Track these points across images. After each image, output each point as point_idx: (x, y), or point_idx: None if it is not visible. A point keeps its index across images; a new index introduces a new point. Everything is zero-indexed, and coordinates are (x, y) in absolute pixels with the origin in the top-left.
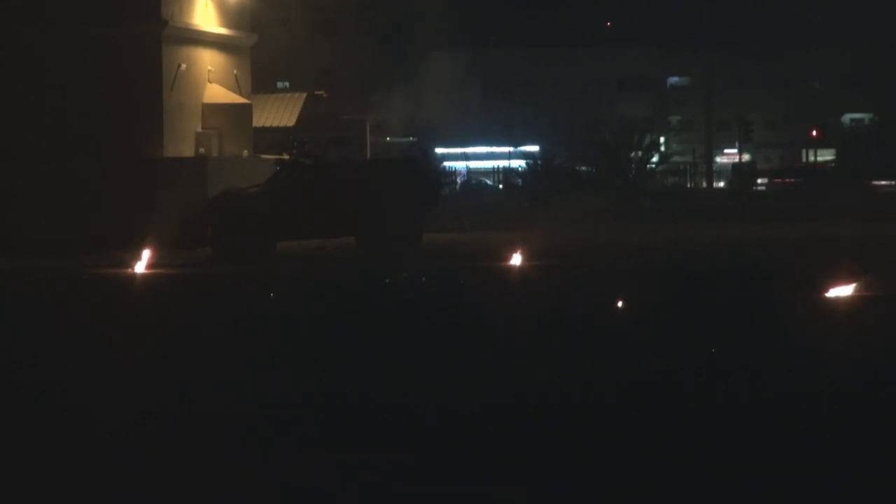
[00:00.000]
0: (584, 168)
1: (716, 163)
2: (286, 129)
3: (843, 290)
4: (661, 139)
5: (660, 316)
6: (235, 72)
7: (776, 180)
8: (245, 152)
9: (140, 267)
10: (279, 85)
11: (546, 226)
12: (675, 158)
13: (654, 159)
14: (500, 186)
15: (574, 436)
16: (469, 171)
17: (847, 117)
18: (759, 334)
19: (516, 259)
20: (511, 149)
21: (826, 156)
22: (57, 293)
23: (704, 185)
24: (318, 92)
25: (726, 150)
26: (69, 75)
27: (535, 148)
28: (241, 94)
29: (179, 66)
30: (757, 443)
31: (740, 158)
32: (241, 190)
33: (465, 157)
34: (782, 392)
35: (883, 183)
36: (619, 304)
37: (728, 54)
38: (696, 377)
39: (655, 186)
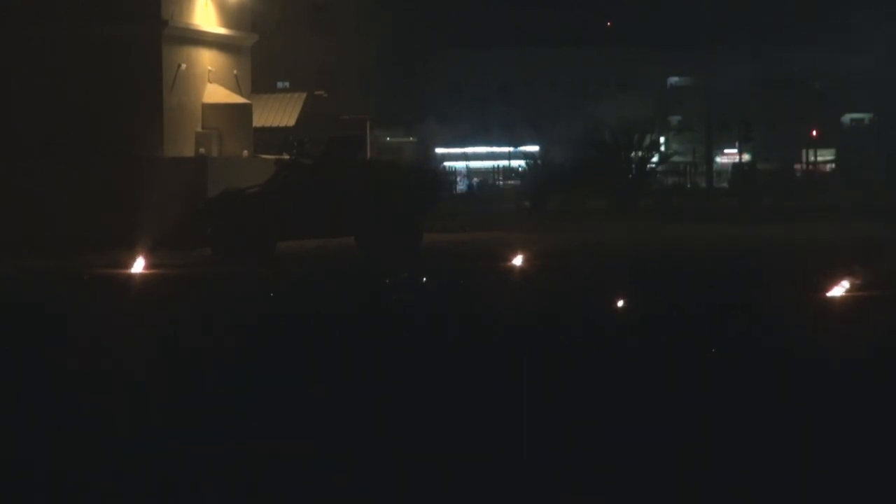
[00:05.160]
0: (584, 168)
1: (716, 163)
2: (286, 129)
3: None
4: (661, 139)
5: (651, 317)
6: (235, 72)
7: None
8: (245, 152)
9: (139, 267)
10: (279, 85)
11: (545, 226)
12: (675, 158)
13: (654, 159)
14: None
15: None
16: (469, 171)
17: (847, 117)
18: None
19: (516, 259)
20: (511, 149)
21: (826, 156)
22: (56, 294)
23: (704, 184)
24: (318, 92)
25: (726, 150)
26: (69, 75)
27: (535, 148)
28: (241, 94)
29: (179, 66)
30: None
31: (740, 158)
32: (241, 190)
33: (466, 157)
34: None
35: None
36: (615, 305)
37: (728, 54)
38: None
39: (655, 186)
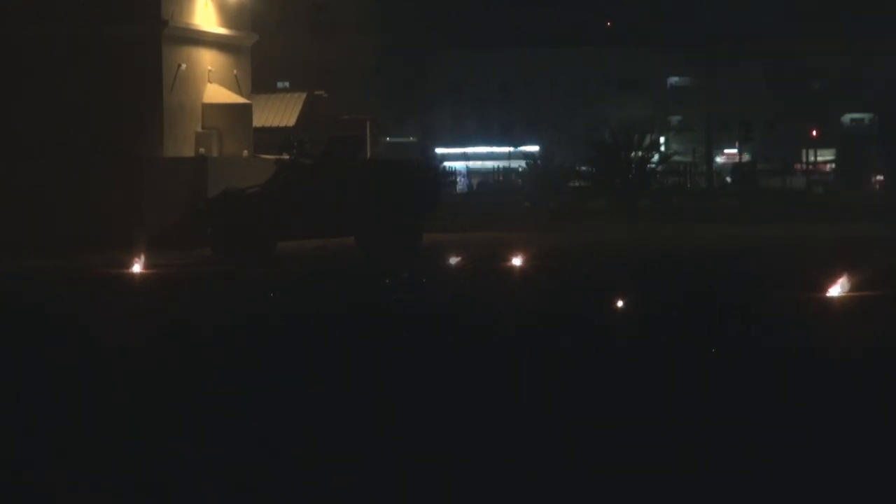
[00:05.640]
0: (584, 168)
1: (716, 163)
2: (286, 129)
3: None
4: (661, 139)
5: (646, 317)
6: (235, 72)
7: None
8: (245, 152)
9: (139, 267)
10: (279, 85)
11: (545, 226)
12: (675, 158)
13: (654, 159)
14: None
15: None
16: (469, 171)
17: (847, 117)
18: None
19: (515, 259)
20: (511, 149)
21: (826, 156)
22: (56, 294)
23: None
24: (318, 92)
25: (726, 150)
26: (69, 75)
27: (535, 148)
28: (241, 94)
29: (179, 66)
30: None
31: (740, 159)
32: (241, 190)
33: (466, 157)
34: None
35: None
36: (612, 305)
37: (728, 54)
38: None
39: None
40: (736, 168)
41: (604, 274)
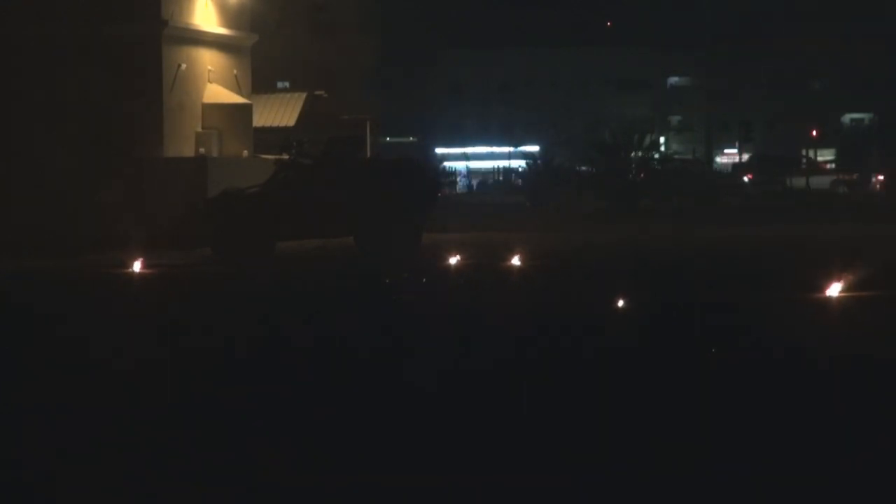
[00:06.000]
0: (584, 168)
1: (716, 163)
2: (286, 129)
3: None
4: (661, 139)
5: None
6: (235, 72)
7: None
8: (245, 152)
9: (139, 267)
10: (279, 85)
11: (545, 226)
12: (677, 158)
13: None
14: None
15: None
16: (469, 171)
17: (847, 117)
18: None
19: (515, 260)
20: (511, 149)
21: (826, 156)
22: (56, 294)
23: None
24: (318, 92)
25: (726, 150)
26: (69, 75)
27: (535, 148)
28: (241, 94)
29: (179, 66)
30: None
31: (740, 158)
32: (241, 190)
33: (466, 157)
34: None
35: None
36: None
37: (728, 54)
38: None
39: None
40: (766, 163)
41: (601, 275)
